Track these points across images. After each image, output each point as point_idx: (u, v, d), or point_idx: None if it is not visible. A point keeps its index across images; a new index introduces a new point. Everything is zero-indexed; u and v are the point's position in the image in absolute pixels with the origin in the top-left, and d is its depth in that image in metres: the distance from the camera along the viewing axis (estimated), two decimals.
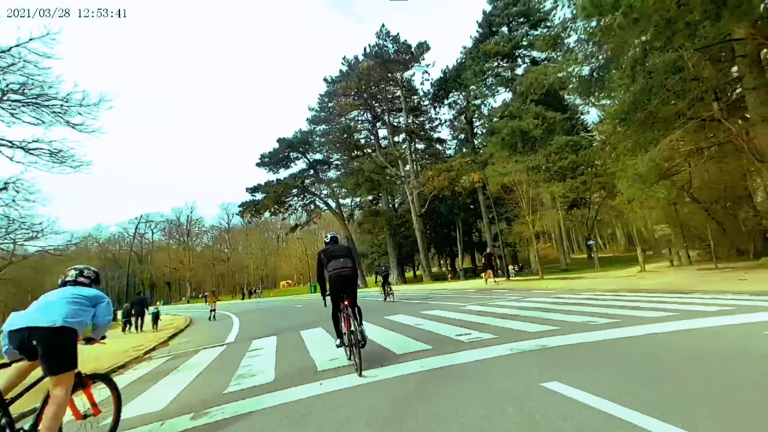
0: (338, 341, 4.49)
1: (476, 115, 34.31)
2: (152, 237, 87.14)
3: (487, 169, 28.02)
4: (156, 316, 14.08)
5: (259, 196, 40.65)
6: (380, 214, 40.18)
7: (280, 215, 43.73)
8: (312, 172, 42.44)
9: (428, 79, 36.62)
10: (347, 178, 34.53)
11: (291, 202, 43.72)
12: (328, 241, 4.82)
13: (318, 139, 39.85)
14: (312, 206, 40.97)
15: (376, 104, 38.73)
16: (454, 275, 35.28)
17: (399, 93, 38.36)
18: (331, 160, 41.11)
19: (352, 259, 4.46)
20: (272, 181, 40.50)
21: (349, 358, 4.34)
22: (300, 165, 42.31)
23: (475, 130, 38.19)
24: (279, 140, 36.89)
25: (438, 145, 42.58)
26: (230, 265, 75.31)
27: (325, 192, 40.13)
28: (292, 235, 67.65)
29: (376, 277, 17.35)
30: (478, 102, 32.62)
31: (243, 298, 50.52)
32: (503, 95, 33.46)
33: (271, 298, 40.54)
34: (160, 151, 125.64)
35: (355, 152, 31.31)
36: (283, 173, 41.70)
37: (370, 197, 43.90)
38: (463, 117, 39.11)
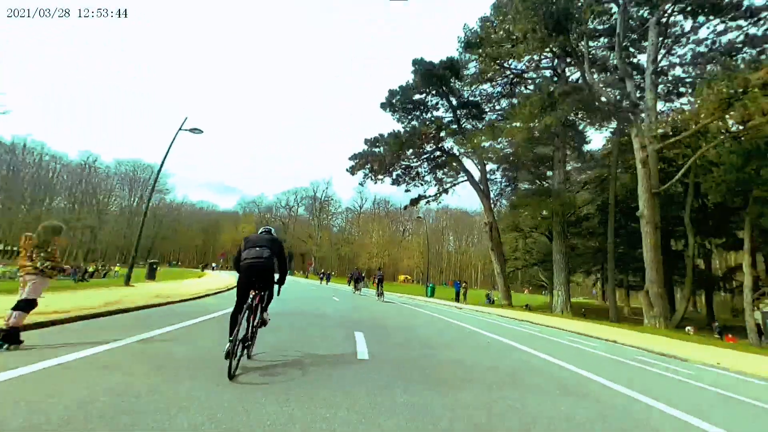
0: (228, 346, 3.22)
1: None
2: (297, 210, 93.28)
3: None
4: None
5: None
6: (551, 195, 24.16)
7: (404, 185, 32.75)
8: (456, 126, 29.90)
9: None
10: (520, 108, 20.00)
11: (419, 169, 32.34)
12: (261, 231, 4.20)
13: (471, 71, 26.91)
14: (446, 169, 28.36)
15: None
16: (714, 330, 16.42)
17: None
18: (483, 105, 27.51)
19: (271, 251, 3.72)
20: (398, 131, 30.02)
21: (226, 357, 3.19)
22: (439, 113, 30.52)
23: None
24: (415, 62, 25.64)
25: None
26: (354, 248, 70.41)
27: (466, 149, 26.85)
28: (418, 229, 56.73)
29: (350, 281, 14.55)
30: None
31: (348, 284, 42.79)
32: None
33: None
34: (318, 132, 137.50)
35: (558, 39, 16.15)
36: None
37: (528, 180, 28.25)
38: None
